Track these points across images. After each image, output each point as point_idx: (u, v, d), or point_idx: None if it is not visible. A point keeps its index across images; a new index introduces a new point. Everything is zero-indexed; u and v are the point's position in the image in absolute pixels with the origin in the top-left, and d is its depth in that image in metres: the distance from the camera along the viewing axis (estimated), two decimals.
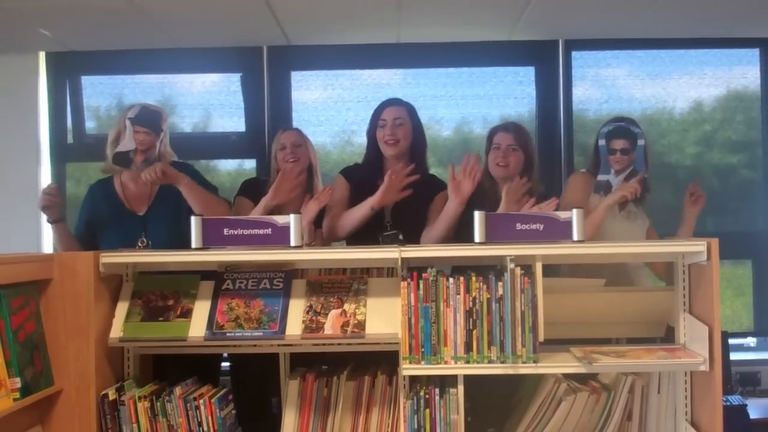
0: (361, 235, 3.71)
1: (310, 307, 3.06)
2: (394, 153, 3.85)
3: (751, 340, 5.45)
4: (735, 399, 4.46)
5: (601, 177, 3.86)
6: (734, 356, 4.89)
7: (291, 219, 2.99)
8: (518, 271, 2.91)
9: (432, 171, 4.07)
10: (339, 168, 4.09)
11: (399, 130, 3.84)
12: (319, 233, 3.82)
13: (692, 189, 3.98)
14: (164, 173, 3.55)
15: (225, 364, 4.03)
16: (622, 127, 3.84)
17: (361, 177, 3.91)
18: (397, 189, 3.62)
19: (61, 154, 5.35)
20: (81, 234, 3.87)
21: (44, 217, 3.79)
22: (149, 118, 3.78)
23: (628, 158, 3.81)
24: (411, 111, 3.93)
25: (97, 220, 3.86)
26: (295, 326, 3.01)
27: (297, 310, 3.06)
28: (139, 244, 3.74)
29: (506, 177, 3.82)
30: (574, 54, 5.36)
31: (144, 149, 3.76)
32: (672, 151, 5.41)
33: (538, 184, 3.90)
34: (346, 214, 3.78)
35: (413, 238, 3.70)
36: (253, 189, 3.96)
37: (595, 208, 3.71)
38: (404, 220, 3.77)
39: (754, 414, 4.40)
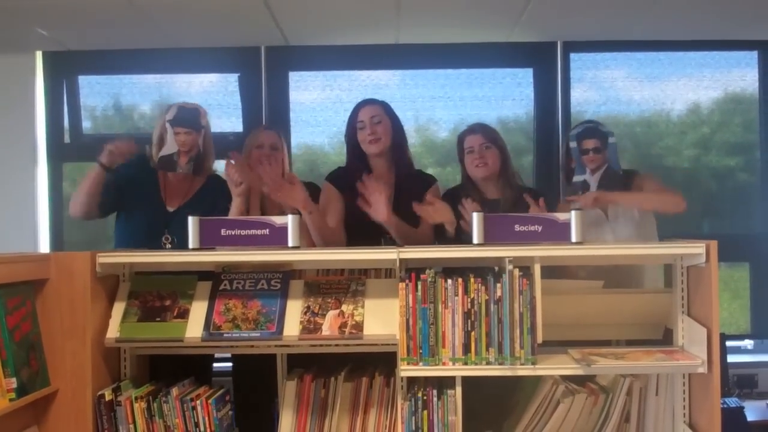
0: (360, 244, 3.66)
1: (308, 307, 3.06)
2: (378, 150, 3.83)
3: (748, 343, 5.44)
4: (732, 401, 4.46)
5: (577, 177, 3.92)
6: (731, 359, 4.89)
7: (289, 220, 2.98)
8: (517, 272, 2.91)
9: (430, 172, 4.06)
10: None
11: (378, 128, 3.82)
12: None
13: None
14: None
15: (218, 365, 4.02)
16: (591, 128, 3.93)
17: (350, 181, 3.81)
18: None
19: (58, 154, 5.33)
20: (108, 192, 3.83)
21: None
22: (187, 117, 3.77)
23: (600, 156, 3.87)
24: (387, 108, 3.91)
25: (127, 193, 3.85)
26: (292, 327, 3.01)
27: (294, 311, 3.05)
28: (164, 240, 3.72)
29: (487, 176, 3.89)
30: (573, 56, 5.36)
31: (186, 150, 3.76)
32: (670, 154, 5.41)
33: (515, 177, 3.98)
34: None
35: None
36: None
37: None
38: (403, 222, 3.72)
39: (751, 416, 4.41)
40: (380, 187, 3.57)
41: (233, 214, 3.61)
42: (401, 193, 3.74)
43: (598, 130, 3.90)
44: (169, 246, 3.70)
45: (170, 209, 3.81)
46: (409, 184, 3.80)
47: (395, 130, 3.89)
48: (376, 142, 3.81)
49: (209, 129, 3.88)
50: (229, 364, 3.93)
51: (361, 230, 3.72)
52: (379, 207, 3.54)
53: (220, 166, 3.96)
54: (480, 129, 3.96)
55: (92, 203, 3.78)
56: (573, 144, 3.92)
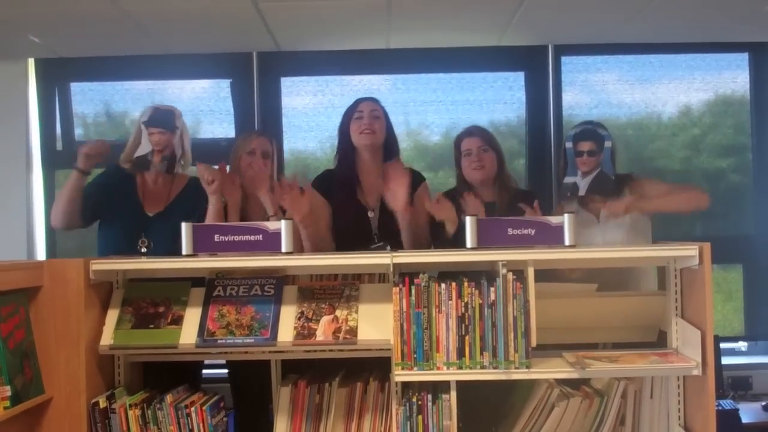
0: (349, 248, 3.65)
1: (302, 313, 3.06)
2: (370, 142, 3.80)
3: (742, 345, 5.45)
4: (727, 403, 4.46)
5: (567, 179, 3.87)
6: (726, 361, 4.89)
7: (282, 225, 2.98)
8: (510, 276, 2.91)
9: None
10: None
11: (376, 123, 3.80)
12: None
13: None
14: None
15: (211, 371, 4.02)
16: (589, 130, 3.87)
17: (333, 184, 3.84)
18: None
19: (51, 161, 5.32)
20: (87, 200, 3.83)
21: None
22: (161, 118, 3.79)
23: (594, 160, 3.80)
24: (384, 109, 3.90)
25: (105, 201, 3.85)
26: (286, 333, 3.01)
27: (288, 317, 3.06)
28: (140, 243, 3.71)
29: (484, 179, 3.89)
30: (564, 59, 5.36)
31: (160, 149, 3.76)
32: (661, 156, 5.42)
33: (511, 180, 3.98)
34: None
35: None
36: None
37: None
38: (392, 226, 3.69)
39: (746, 418, 4.41)
40: (404, 174, 3.58)
41: (210, 212, 3.60)
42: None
43: (595, 133, 3.83)
44: (145, 249, 3.68)
45: (149, 214, 3.80)
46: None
47: (389, 131, 3.88)
48: (371, 134, 3.78)
49: (186, 130, 3.91)
50: (222, 371, 3.92)
51: (349, 232, 3.72)
52: (398, 194, 3.54)
53: None
54: (477, 132, 3.96)
55: (73, 211, 3.78)
56: (569, 144, 3.86)
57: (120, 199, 3.83)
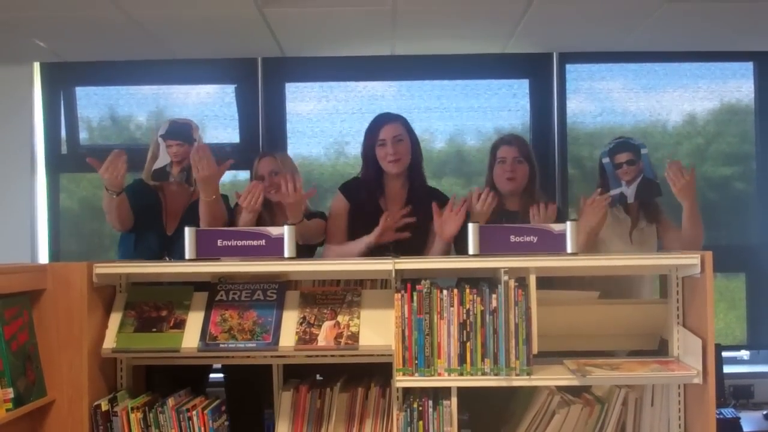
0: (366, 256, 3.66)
1: (304, 318, 3.07)
2: (398, 171, 3.81)
3: (744, 353, 5.44)
4: (728, 412, 4.45)
5: (614, 191, 3.87)
6: (728, 369, 4.88)
7: (285, 230, 2.99)
8: (512, 283, 2.91)
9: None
10: (333, 179, 4.08)
11: (400, 147, 3.78)
12: None
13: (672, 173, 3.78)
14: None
15: (214, 376, 4.02)
16: (623, 142, 3.92)
17: (361, 195, 3.85)
18: (392, 230, 3.62)
19: (55, 165, 5.33)
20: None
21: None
22: (179, 130, 3.81)
23: (635, 168, 3.85)
24: (406, 125, 3.87)
25: (137, 215, 3.84)
26: (288, 338, 3.02)
27: (290, 322, 3.06)
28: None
29: (514, 191, 3.87)
30: (568, 67, 5.36)
31: (179, 160, 3.78)
32: (665, 164, 5.40)
33: (539, 194, 3.92)
34: (343, 249, 3.74)
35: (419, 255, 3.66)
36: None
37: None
38: (409, 242, 3.69)
39: (747, 427, 4.40)
40: (464, 209, 3.56)
41: (201, 204, 3.62)
42: (415, 210, 3.72)
43: (630, 144, 3.88)
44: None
45: (169, 233, 3.82)
46: (422, 202, 3.74)
47: (414, 148, 3.86)
48: (397, 162, 3.77)
49: (202, 142, 3.88)
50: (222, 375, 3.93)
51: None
52: (451, 225, 3.54)
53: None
54: (515, 141, 3.91)
55: (124, 218, 3.78)
56: (606, 160, 3.90)
57: (144, 214, 3.84)
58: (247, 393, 3.67)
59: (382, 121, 3.85)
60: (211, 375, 3.99)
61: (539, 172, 3.99)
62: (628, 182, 3.87)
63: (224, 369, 3.88)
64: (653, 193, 3.90)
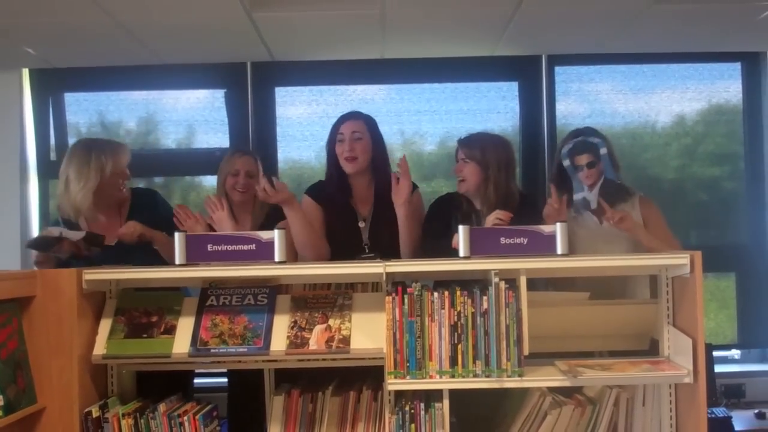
0: (339, 257, 3.63)
1: (295, 322, 3.06)
2: (353, 170, 3.74)
3: (735, 353, 5.47)
4: (720, 411, 4.47)
5: (577, 196, 3.80)
6: (719, 369, 4.91)
7: (275, 235, 2.99)
8: (503, 285, 2.92)
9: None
10: None
11: (357, 145, 3.71)
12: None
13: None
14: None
15: (206, 381, 4.01)
16: (581, 142, 3.79)
17: (329, 195, 3.80)
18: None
19: (45, 171, 5.32)
20: None
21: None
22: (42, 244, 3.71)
23: (596, 170, 3.75)
24: (370, 124, 3.80)
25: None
26: (279, 342, 3.01)
27: (281, 326, 3.06)
28: None
29: (467, 191, 3.79)
30: (557, 69, 5.38)
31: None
32: (654, 165, 5.44)
33: (499, 189, 3.74)
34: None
35: (394, 253, 3.63)
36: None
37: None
38: (382, 237, 3.71)
39: (738, 426, 4.42)
40: (406, 173, 3.57)
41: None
42: (382, 208, 3.71)
43: (588, 144, 3.76)
44: None
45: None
46: (390, 199, 3.67)
47: (375, 147, 3.79)
48: (352, 160, 3.71)
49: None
50: (215, 380, 3.92)
51: (340, 242, 3.73)
52: (402, 191, 3.57)
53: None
54: (465, 143, 3.83)
55: None
56: (566, 162, 3.79)
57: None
58: (249, 397, 3.65)
59: (345, 117, 3.82)
60: (203, 380, 3.99)
61: (505, 171, 3.78)
62: (590, 186, 3.77)
63: (227, 374, 3.89)
64: (617, 197, 3.80)
